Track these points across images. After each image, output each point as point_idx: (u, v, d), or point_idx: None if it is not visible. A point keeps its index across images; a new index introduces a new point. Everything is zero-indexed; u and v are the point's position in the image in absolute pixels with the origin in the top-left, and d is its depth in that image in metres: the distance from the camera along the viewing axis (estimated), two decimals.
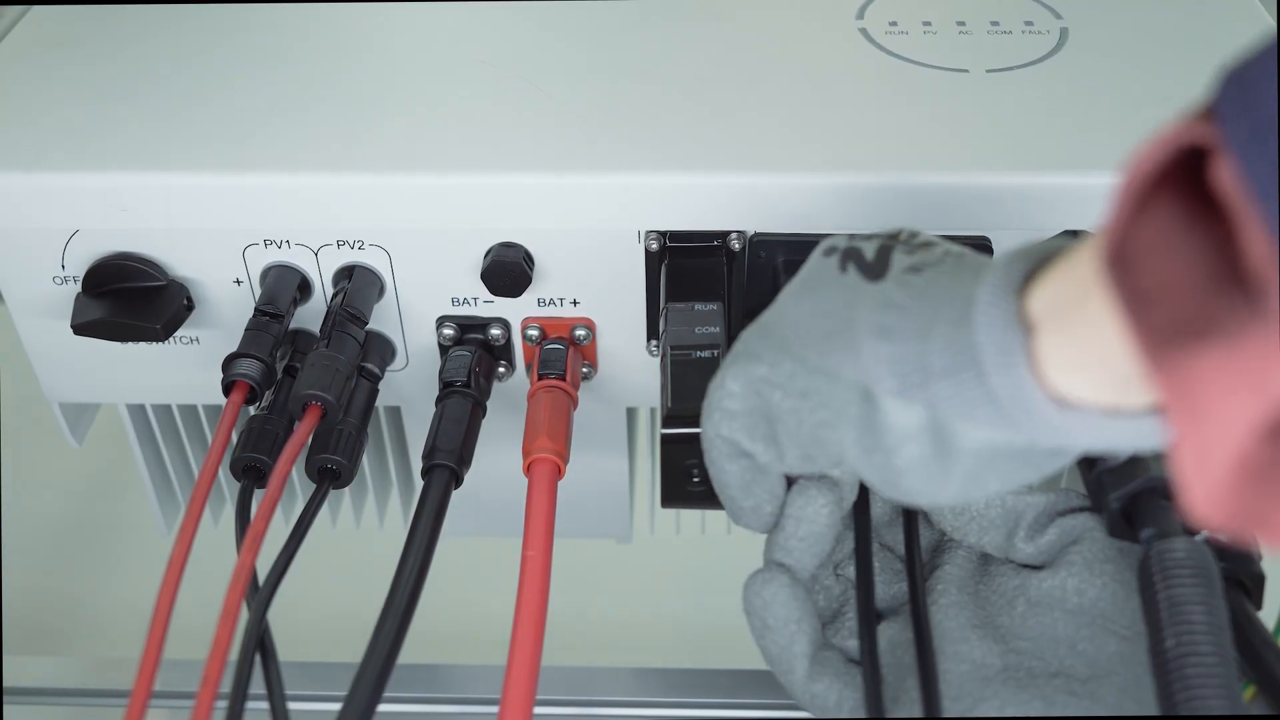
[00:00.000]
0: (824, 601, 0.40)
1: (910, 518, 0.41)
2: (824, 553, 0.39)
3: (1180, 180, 0.25)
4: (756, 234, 0.47)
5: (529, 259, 0.48)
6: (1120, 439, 0.30)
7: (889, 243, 0.37)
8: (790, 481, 0.39)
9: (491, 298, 0.50)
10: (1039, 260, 0.31)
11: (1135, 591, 0.37)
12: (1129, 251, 0.26)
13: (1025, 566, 0.39)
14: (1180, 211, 0.25)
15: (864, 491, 0.41)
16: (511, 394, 0.53)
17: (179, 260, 0.49)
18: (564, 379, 0.49)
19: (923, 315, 0.33)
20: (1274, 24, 0.55)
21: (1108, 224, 0.26)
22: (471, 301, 0.50)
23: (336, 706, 0.36)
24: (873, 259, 0.36)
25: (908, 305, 0.34)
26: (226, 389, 0.46)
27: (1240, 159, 0.23)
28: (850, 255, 0.37)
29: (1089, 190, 0.46)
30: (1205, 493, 0.25)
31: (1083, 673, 0.36)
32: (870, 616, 0.38)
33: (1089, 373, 0.29)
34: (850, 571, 0.41)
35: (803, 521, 0.38)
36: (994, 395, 0.31)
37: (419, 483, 0.46)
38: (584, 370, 0.52)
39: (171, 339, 0.51)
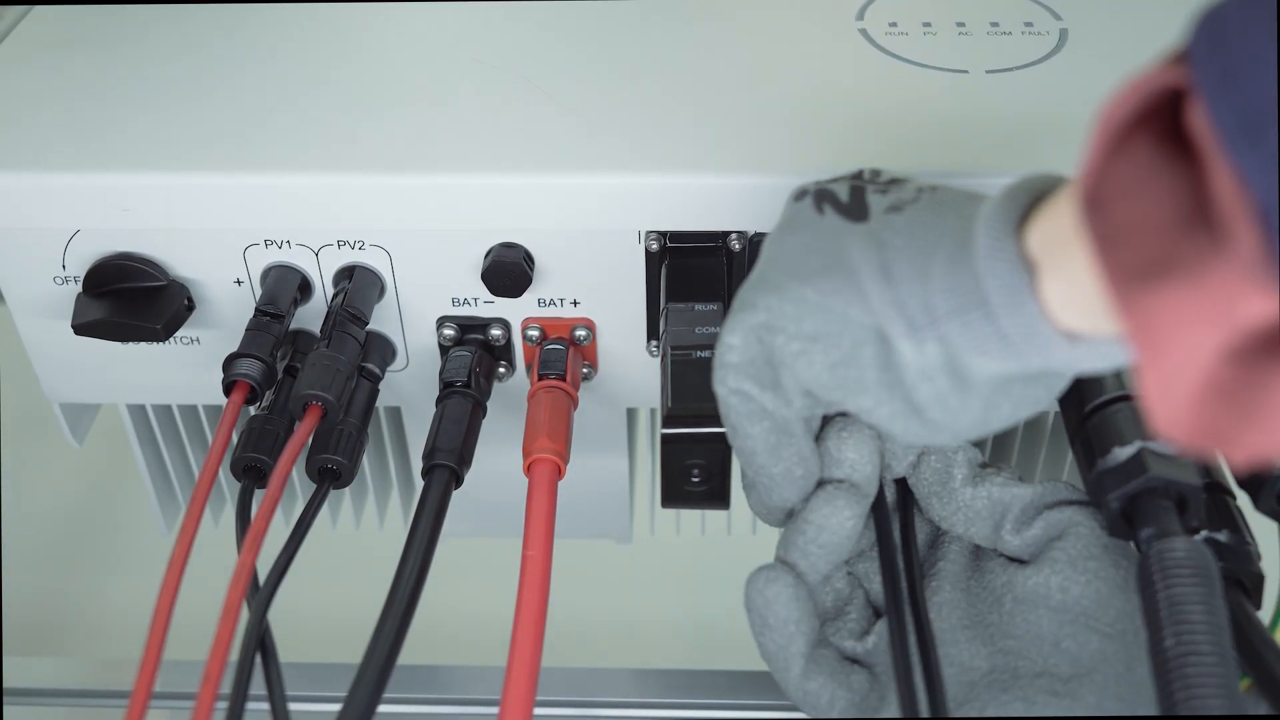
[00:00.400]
0: (831, 601, 0.40)
1: (906, 515, 0.42)
2: (840, 560, 0.39)
3: (1155, 121, 0.26)
4: (757, 234, 0.47)
5: (529, 259, 0.48)
6: (1111, 357, 0.31)
7: (858, 184, 0.38)
8: (821, 487, 0.39)
9: (492, 298, 0.50)
10: (1031, 199, 0.32)
11: (1119, 588, 0.37)
12: (1103, 193, 0.27)
13: (1013, 562, 0.40)
14: (1154, 152, 0.26)
15: (881, 494, 0.41)
16: (512, 394, 0.53)
17: (180, 260, 0.49)
18: (564, 379, 0.49)
19: (918, 256, 0.34)
20: None
21: (1084, 167, 0.27)
22: (472, 302, 0.50)
23: (336, 707, 0.36)
24: (848, 201, 0.37)
25: (901, 246, 0.34)
26: (227, 389, 0.46)
27: (1209, 102, 0.24)
28: (823, 197, 0.38)
29: None
30: (1169, 415, 0.27)
31: (1065, 672, 0.36)
32: (902, 627, 0.38)
33: (1092, 307, 0.29)
34: (859, 568, 0.41)
35: (825, 530, 0.38)
36: (1004, 334, 0.32)
37: (419, 483, 0.46)
38: (584, 370, 0.52)
39: (172, 339, 0.51)
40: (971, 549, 0.41)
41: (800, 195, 0.39)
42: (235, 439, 0.47)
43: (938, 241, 0.34)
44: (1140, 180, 0.26)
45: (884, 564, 0.40)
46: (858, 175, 0.39)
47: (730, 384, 0.38)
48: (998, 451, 0.54)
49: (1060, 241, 0.30)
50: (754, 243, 0.48)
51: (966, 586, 0.40)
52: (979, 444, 0.43)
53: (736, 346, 0.38)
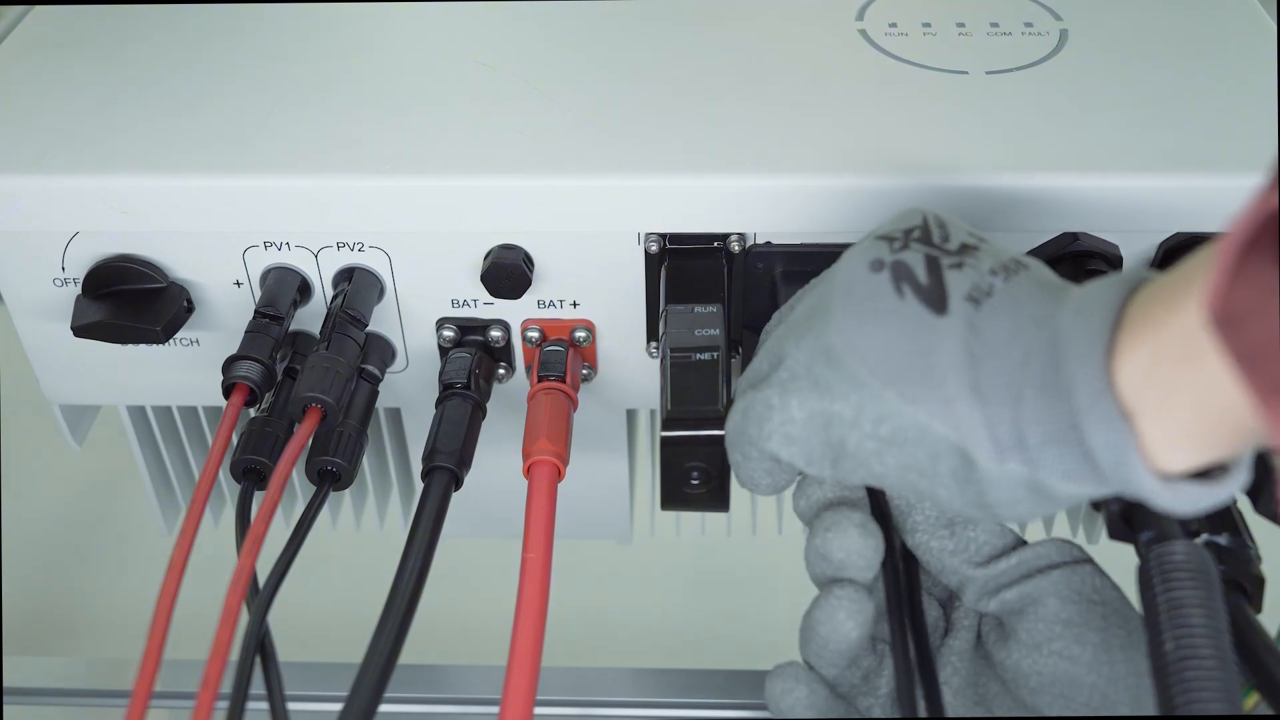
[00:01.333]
0: (859, 678, 0.40)
1: (913, 582, 0.41)
2: (855, 655, 0.39)
3: (1268, 240, 0.27)
4: (754, 246, 0.47)
5: (529, 261, 0.48)
6: (1206, 502, 0.32)
7: (933, 253, 0.37)
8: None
9: (491, 299, 0.50)
10: (1114, 317, 0.32)
11: (1089, 665, 0.37)
12: (1232, 313, 0.28)
13: (993, 631, 0.40)
14: (1272, 269, 0.27)
15: (891, 544, 0.40)
16: (511, 396, 0.53)
17: (179, 262, 0.49)
18: (564, 381, 0.49)
19: (1007, 371, 0.34)
20: (1274, 25, 0.55)
21: (1208, 290, 0.28)
22: (471, 303, 0.50)
23: (337, 707, 0.36)
24: (927, 284, 0.36)
25: (987, 359, 0.34)
26: (226, 391, 0.46)
27: None
28: (902, 275, 0.37)
29: (1088, 192, 0.46)
30: None
31: None
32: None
33: (1194, 445, 0.31)
34: (882, 630, 0.40)
35: (831, 641, 0.38)
36: (1101, 475, 0.32)
37: (419, 484, 0.46)
38: (584, 372, 0.52)
39: (172, 341, 0.51)
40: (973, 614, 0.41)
41: (877, 267, 0.37)
42: (235, 441, 0.47)
43: (1025, 358, 0.33)
44: (1265, 298, 0.27)
45: (896, 654, 0.39)
46: (926, 237, 0.38)
47: (781, 455, 0.37)
48: None
49: (1160, 383, 0.30)
50: (751, 254, 0.48)
51: (972, 657, 0.40)
52: None
53: (799, 421, 0.37)
